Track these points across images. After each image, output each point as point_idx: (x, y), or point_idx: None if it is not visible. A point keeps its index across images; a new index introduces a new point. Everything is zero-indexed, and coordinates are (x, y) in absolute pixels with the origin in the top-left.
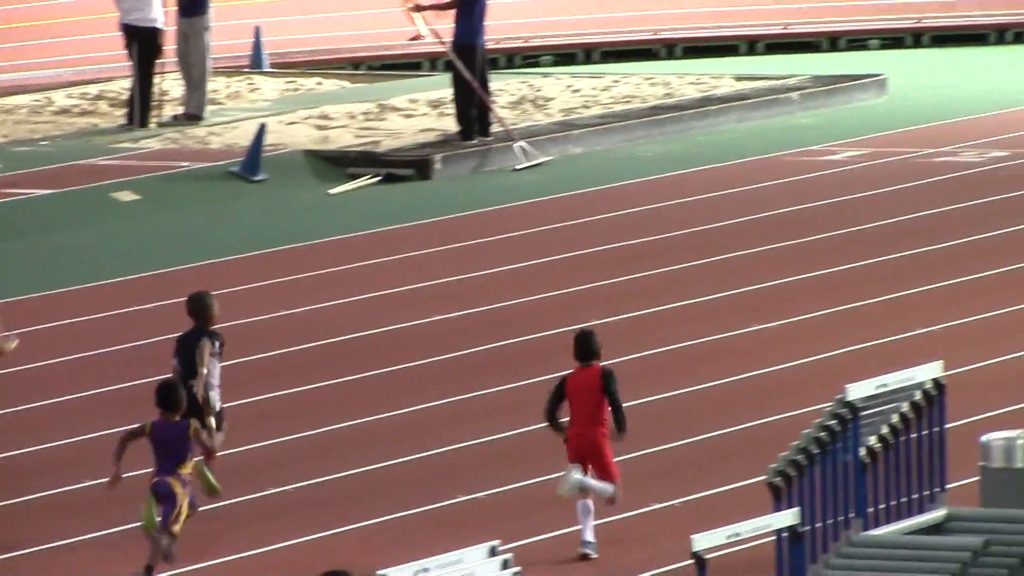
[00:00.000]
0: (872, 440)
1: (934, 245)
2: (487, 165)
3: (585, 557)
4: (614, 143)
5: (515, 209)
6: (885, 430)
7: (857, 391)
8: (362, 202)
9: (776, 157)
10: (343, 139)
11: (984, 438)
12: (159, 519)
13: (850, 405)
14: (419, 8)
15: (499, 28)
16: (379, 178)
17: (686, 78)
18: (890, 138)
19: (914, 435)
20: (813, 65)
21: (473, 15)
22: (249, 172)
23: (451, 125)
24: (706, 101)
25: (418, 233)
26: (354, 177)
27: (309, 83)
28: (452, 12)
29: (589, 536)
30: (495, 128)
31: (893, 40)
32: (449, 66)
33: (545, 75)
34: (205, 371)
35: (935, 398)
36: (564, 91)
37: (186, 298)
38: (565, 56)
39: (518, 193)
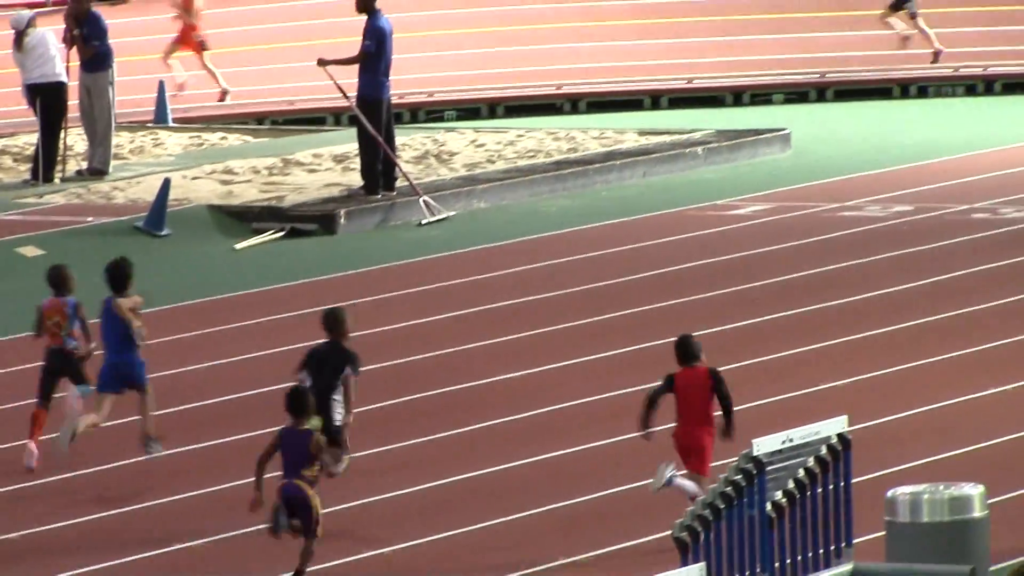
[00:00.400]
0: (778, 495)
1: (838, 299)
2: (392, 220)
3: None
4: (518, 198)
5: (420, 264)
6: (791, 485)
7: (763, 446)
8: (267, 257)
9: (681, 212)
10: (248, 194)
11: (890, 493)
12: (299, 528)
13: (756, 460)
14: (324, 63)
15: (403, 83)
16: (284, 233)
17: (590, 132)
18: (794, 192)
19: (820, 490)
20: (717, 119)
21: (378, 70)
22: (154, 227)
23: (356, 179)
24: (610, 156)
25: (323, 288)
26: (259, 232)
27: (213, 138)
28: (356, 67)
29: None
30: (400, 183)
31: (797, 95)
32: (354, 120)
33: (449, 129)
34: (351, 417)
35: (840, 452)
36: (468, 146)
37: (321, 313)
38: (469, 111)
39: (423, 248)
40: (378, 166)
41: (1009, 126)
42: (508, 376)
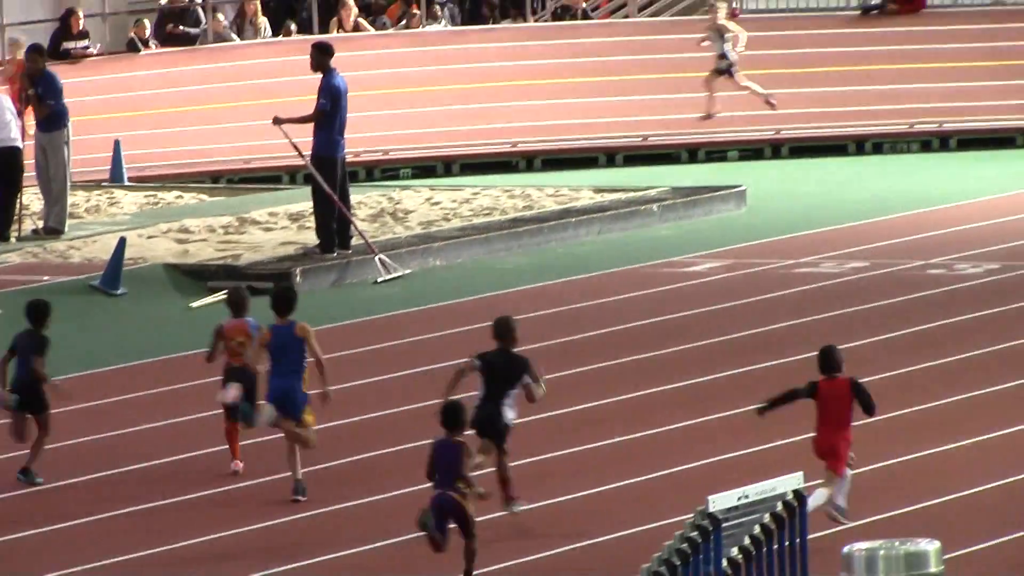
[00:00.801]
0: (734, 551)
1: (793, 356)
2: (347, 278)
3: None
4: (474, 255)
5: (375, 322)
6: (747, 541)
7: (719, 502)
8: (223, 316)
9: (636, 269)
10: (203, 252)
11: (846, 549)
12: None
13: (712, 516)
14: (279, 121)
15: (358, 141)
16: None
17: (545, 190)
18: (750, 249)
19: (776, 546)
20: (672, 176)
21: (332, 128)
22: (109, 286)
23: (311, 238)
24: (566, 213)
25: None
26: (215, 291)
27: (169, 196)
28: (311, 125)
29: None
30: (355, 241)
31: (752, 151)
32: (309, 179)
33: (405, 188)
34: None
35: (796, 509)
36: (424, 204)
37: (492, 322)
38: (424, 169)
39: (378, 306)
40: (333, 224)
41: (964, 182)
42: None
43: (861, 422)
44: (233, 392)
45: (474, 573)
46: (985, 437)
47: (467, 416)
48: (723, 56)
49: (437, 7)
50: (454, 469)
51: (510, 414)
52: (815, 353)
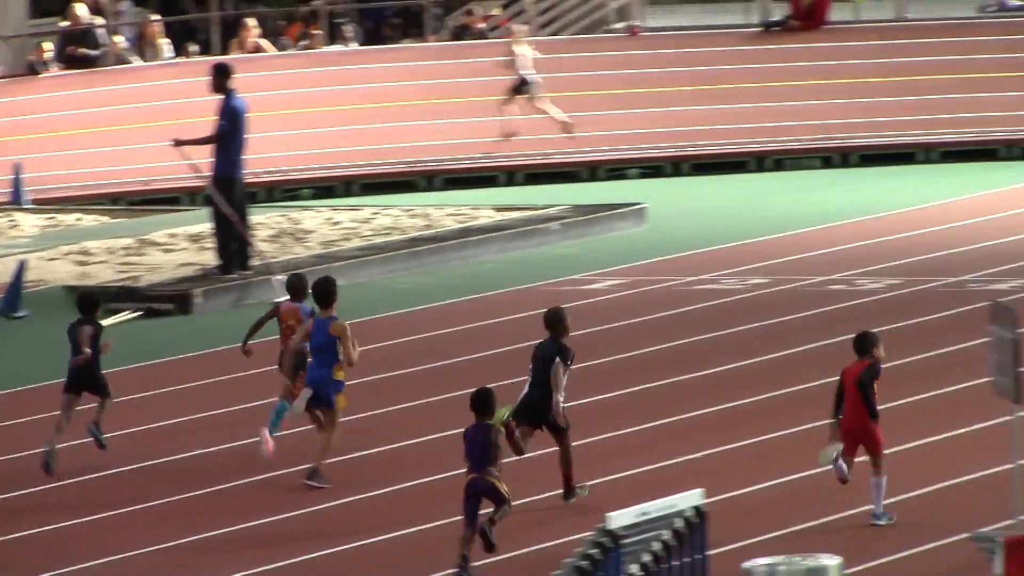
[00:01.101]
0: (634, 568)
1: (695, 373)
2: (247, 299)
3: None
4: (374, 275)
5: (276, 342)
6: (647, 558)
7: (618, 519)
8: (123, 337)
9: (536, 287)
10: (103, 274)
11: (745, 564)
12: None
13: (611, 533)
14: (179, 143)
15: (259, 161)
16: (140, 313)
17: (445, 209)
18: (651, 266)
19: (676, 563)
20: (573, 195)
21: (233, 149)
22: (9, 309)
23: (211, 259)
24: (465, 232)
25: (179, 367)
26: (115, 312)
27: (69, 219)
28: (211, 146)
29: (878, 509)
30: (255, 261)
31: (652, 169)
32: (208, 200)
33: (305, 208)
34: (562, 397)
35: (696, 525)
36: (324, 224)
37: (544, 312)
38: (324, 189)
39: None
40: (232, 245)
41: (866, 198)
42: (355, 455)
43: (763, 437)
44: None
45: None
46: (885, 453)
47: (495, 402)
48: (522, 79)
49: (340, 27)
50: (486, 452)
51: (557, 399)
52: (717, 369)
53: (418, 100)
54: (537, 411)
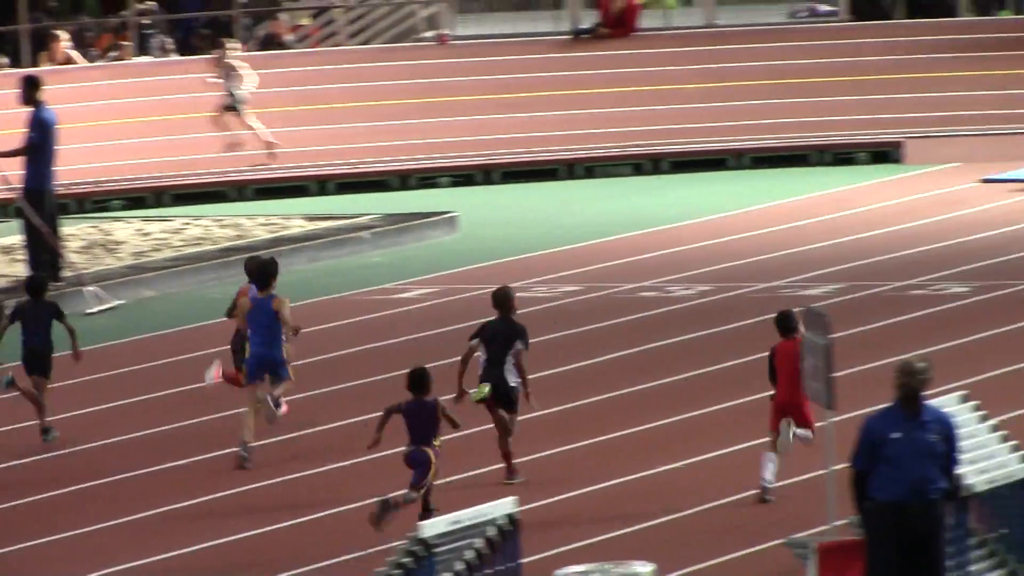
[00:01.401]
0: None
1: None
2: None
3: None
4: (186, 285)
5: (87, 353)
6: (460, 567)
7: (431, 528)
8: None
9: (347, 296)
10: None
11: (557, 573)
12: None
13: (424, 542)
14: None
15: (69, 173)
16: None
17: (257, 219)
18: (461, 275)
19: (489, 571)
20: (384, 204)
21: (43, 161)
22: None
23: (23, 271)
24: (277, 242)
25: None
26: None
27: None
28: (21, 158)
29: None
30: (66, 273)
31: (464, 177)
32: (19, 212)
33: (116, 219)
34: (529, 387)
35: (509, 533)
36: (135, 235)
37: (492, 292)
38: (135, 200)
39: (90, 337)
40: (43, 256)
41: (676, 204)
42: (173, 464)
43: (575, 444)
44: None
45: None
46: (700, 458)
47: (431, 381)
48: (230, 94)
49: (150, 39)
50: (428, 427)
51: (512, 378)
52: (529, 376)
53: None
54: (498, 387)
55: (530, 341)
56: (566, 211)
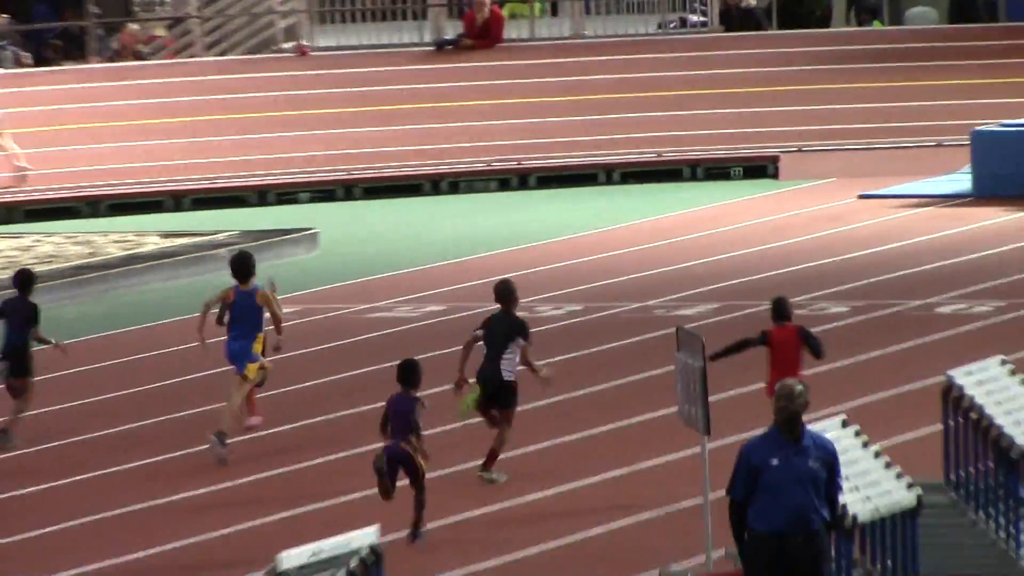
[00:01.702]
0: None
1: (368, 404)
2: None
3: None
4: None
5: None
6: None
7: (290, 559)
8: None
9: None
10: None
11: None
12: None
13: (283, 575)
14: None
15: None
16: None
17: (111, 236)
18: (322, 294)
19: None
20: (243, 220)
21: None
22: None
23: None
24: (131, 259)
25: None
26: None
27: None
28: None
29: None
30: None
31: (324, 192)
32: None
33: None
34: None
35: (372, 565)
36: None
37: (494, 286)
38: None
39: None
40: None
41: (544, 221)
42: (37, 488)
43: (441, 472)
44: None
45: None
46: (567, 488)
47: (421, 374)
48: None
49: (2, 50)
50: (408, 422)
51: (508, 372)
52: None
53: (83, 123)
54: (491, 385)
55: (389, 365)
56: (430, 228)
